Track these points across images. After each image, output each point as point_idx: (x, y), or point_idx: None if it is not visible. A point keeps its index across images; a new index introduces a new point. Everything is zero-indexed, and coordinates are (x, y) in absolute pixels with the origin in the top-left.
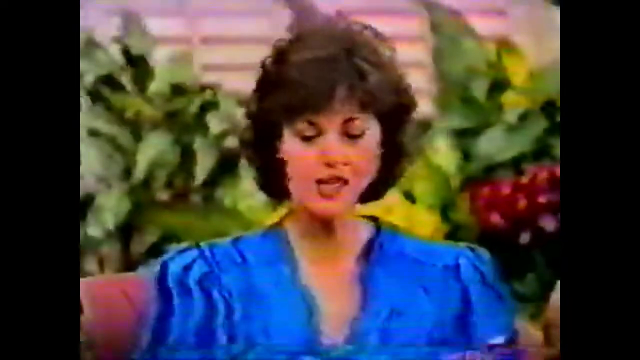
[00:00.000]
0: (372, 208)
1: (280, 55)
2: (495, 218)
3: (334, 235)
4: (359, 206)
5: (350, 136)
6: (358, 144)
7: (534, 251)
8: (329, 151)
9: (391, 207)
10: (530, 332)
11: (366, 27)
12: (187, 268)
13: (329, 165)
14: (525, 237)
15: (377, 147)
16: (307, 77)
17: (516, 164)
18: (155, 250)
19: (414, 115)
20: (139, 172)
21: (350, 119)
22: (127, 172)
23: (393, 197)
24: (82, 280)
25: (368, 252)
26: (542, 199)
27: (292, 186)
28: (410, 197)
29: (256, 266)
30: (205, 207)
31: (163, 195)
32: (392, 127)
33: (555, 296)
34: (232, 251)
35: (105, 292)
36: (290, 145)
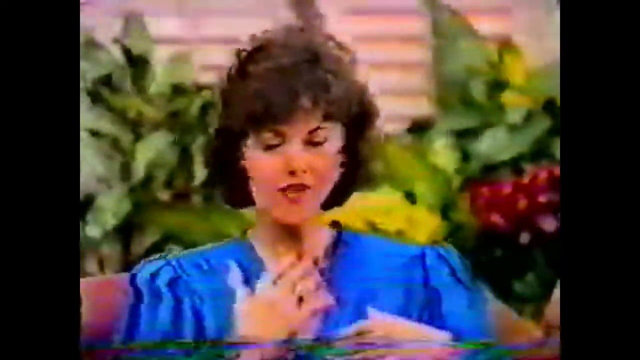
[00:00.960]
0: (373, 208)
1: (243, 64)
2: (496, 218)
3: (299, 241)
4: (321, 212)
5: (313, 144)
6: (320, 151)
7: (534, 251)
8: (292, 159)
9: (391, 207)
10: (532, 331)
11: (329, 37)
12: (154, 275)
13: (292, 173)
14: (525, 237)
15: (338, 154)
16: (271, 87)
17: (516, 164)
18: (155, 251)
19: (375, 124)
20: (139, 172)
21: (315, 129)
22: (128, 173)
23: (393, 197)
24: (81, 280)
25: (333, 250)
26: (542, 199)
27: (256, 194)
28: (410, 197)
29: (222, 271)
30: (205, 207)
31: (163, 196)
32: (354, 135)
33: (557, 295)
34: (199, 259)
35: (105, 293)
36: (253, 154)
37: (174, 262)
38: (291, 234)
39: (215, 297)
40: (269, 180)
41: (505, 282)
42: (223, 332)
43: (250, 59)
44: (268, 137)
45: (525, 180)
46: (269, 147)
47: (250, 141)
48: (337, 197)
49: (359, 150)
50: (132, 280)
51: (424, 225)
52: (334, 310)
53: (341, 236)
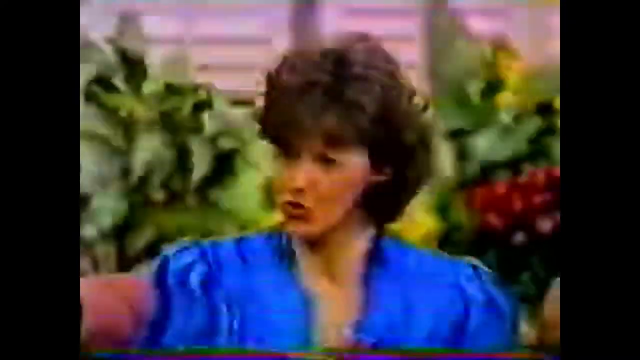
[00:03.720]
0: None
1: (277, 72)
2: (491, 218)
3: (330, 244)
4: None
5: (326, 161)
6: (335, 170)
7: (530, 251)
8: (294, 177)
9: None
10: (527, 332)
11: (362, 53)
12: (187, 268)
13: (294, 190)
14: (520, 238)
15: (365, 174)
16: (289, 102)
17: (512, 165)
18: (151, 251)
19: (413, 139)
20: (135, 172)
21: (325, 148)
22: (123, 173)
23: None
24: (96, 279)
25: (370, 260)
26: (537, 200)
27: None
28: None
29: (257, 269)
30: (200, 207)
31: (158, 196)
32: (385, 155)
33: (552, 296)
34: (234, 253)
35: (101, 293)
36: (276, 163)
37: (209, 253)
38: (320, 238)
39: (246, 299)
40: (278, 192)
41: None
42: (254, 337)
43: (284, 68)
44: (283, 149)
45: (521, 180)
46: (284, 158)
47: (275, 150)
48: (389, 215)
49: (401, 171)
50: (163, 269)
51: (419, 225)
52: (362, 328)
53: (379, 245)
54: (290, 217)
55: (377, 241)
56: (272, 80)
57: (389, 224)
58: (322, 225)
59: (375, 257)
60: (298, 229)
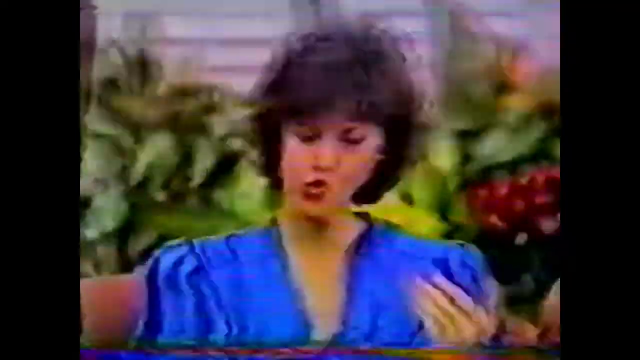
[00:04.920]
0: (369, 208)
1: (290, 53)
2: (493, 219)
3: (325, 232)
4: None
5: (348, 142)
6: (355, 150)
7: (531, 252)
8: (321, 155)
9: (388, 208)
10: (527, 332)
11: (384, 33)
12: (177, 263)
13: (319, 169)
14: (522, 238)
15: (375, 153)
16: (310, 82)
17: (514, 166)
18: (152, 252)
19: (419, 124)
20: (138, 173)
21: (350, 128)
22: (125, 174)
23: (391, 198)
24: (93, 280)
25: (358, 248)
26: (539, 201)
27: (285, 181)
28: (407, 198)
29: (247, 263)
30: (202, 208)
31: (161, 197)
32: (395, 136)
33: (553, 297)
34: (224, 248)
35: (101, 294)
36: (289, 143)
37: (198, 249)
38: (317, 225)
39: (236, 293)
40: (297, 172)
41: (501, 283)
42: (245, 331)
43: (298, 48)
44: (303, 129)
45: (523, 181)
46: (304, 139)
47: (288, 130)
48: (370, 195)
49: (401, 150)
50: (154, 267)
51: (421, 226)
52: (351, 316)
53: (368, 231)
54: (310, 198)
55: (367, 228)
56: (289, 59)
57: (368, 204)
58: (334, 205)
59: (364, 244)
60: (312, 208)
